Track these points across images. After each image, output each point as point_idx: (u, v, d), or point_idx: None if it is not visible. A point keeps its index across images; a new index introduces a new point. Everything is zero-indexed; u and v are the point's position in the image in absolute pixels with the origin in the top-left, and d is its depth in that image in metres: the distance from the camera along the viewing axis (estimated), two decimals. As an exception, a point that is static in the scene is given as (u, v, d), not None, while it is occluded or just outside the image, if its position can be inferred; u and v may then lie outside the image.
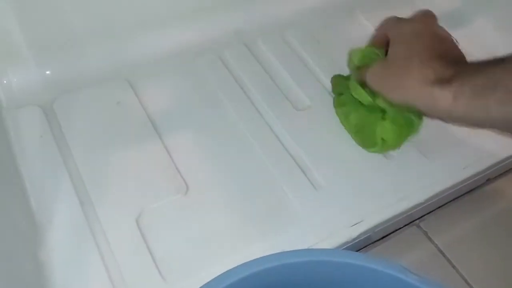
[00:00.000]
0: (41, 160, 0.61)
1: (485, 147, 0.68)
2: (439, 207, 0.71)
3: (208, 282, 0.39)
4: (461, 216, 0.73)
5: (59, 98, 0.68)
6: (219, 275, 0.39)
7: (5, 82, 0.67)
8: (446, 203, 0.71)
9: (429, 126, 0.68)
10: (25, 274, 0.51)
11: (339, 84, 0.69)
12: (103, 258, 0.54)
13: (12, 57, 0.67)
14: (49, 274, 0.52)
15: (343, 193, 0.62)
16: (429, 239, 0.71)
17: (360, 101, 0.63)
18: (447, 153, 0.67)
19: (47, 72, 0.69)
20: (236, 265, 0.40)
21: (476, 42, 0.83)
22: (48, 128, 0.64)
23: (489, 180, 0.73)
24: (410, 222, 0.70)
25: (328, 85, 0.74)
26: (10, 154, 0.61)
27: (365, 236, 0.61)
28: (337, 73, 0.72)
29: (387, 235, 0.68)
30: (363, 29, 0.84)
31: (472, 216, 0.73)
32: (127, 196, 0.59)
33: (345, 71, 0.71)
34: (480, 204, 0.74)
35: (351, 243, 0.59)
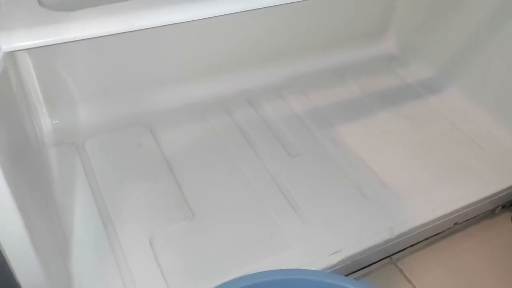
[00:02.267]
0: (73, 189, 0.73)
1: (452, 194, 0.79)
2: (412, 245, 0.80)
3: None
4: (435, 260, 0.82)
5: (90, 139, 0.81)
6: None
7: (54, 122, 0.80)
8: (418, 243, 0.81)
9: (403, 172, 0.81)
10: (59, 279, 0.61)
11: None
12: (120, 270, 0.65)
13: (60, 103, 0.81)
14: (74, 281, 0.63)
15: (326, 227, 0.72)
16: (406, 278, 0.80)
17: None
18: (418, 196, 0.78)
19: (82, 117, 0.83)
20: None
21: (447, 105, 0.97)
22: (80, 163, 0.77)
23: (456, 224, 0.83)
24: (386, 257, 0.79)
25: (317, 134, 0.87)
26: (48, 183, 0.73)
27: (343, 264, 0.70)
28: (326, 125, 0.86)
29: (366, 267, 0.77)
30: (351, 92, 0.98)
31: (444, 260, 0.82)
32: (142, 220, 0.70)
33: (333, 125, 0.84)
34: (452, 249, 0.83)
35: (330, 270, 0.69)
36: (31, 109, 0.80)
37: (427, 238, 0.81)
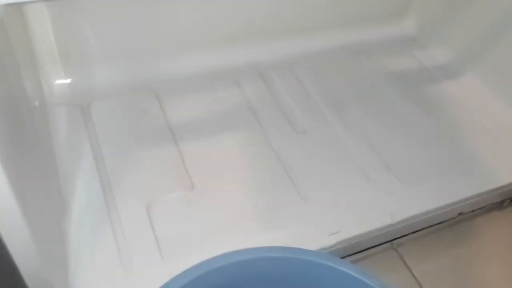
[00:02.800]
0: (75, 151, 0.73)
1: (458, 183, 0.77)
2: (414, 232, 0.79)
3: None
4: (437, 248, 0.80)
5: (96, 101, 0.80)
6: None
7: (61, 82, 0.80)
8: (420, 230, 0.79)
9: (410, 158, 0.79)
10: (51, 238, 0.61)
11: None
12: (115, 237, 0.64)
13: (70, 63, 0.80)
14: (68, 241, 0.63)
15: (326, 206, 0.71)
16: (405, 264, 0.79)
17: None
18: (423, 183, 0.77)
19: (91, 79, 0.82)
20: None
21: (464, 92, 0.94)
22: (84, 125, 0.76)
23: (461, 214, 0.81)
24: (387, 242, 0.78)
25: (326, 113, 0.85)
26: (50, 143, 0.72)
27: (342, 245, 0.69)
28: (336, 104, 0.83)
29: (365, 250, 0.76)
30: (366, 72, 0.95)
31: (447, 249, 0.80)
32: (141, 187, 0.70)
33: (343, 105, 0.82)
34: (456, 239, 0.82)
35: (328, 251, 0.68)
36: (40, 66, 0.79)
37: (430, 226, 0.80)
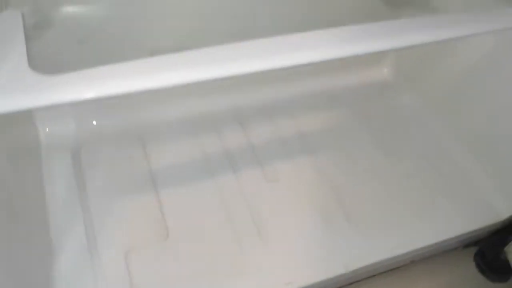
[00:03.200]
0: (63, 196, 0.82)
1: (412, 233, 0.85)
2: (368, 277, 0.87)
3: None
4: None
5: (85, 147, 0.89)
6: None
7: (49, 130, 0.89)
8: (374, 276, 0.87)
9: (371, 206, 0.86)
10: (39, 281, 0.70)
11: None
12: (95, 280, 0.74)
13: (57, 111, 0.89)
14: (54, 285, 0.72)
15: (286, 255, 0.80)
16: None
17: None
18: (379, 233, 0.85)
19: (80, 125, 0.90)
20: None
21: (429, 141, 1.01)
22: (73, 171, 0.85)
23: (413, 262, 0.89)
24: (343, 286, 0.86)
25: (299, 161, 0.93)
26: (40, 189, 0.81)
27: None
28: (309, 151, 0.91)
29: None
30: (340, 117, 1.03)
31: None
32: (121, 234, 0.79)
33: (315, 152, 0.90)
34: (408, 283, 0.89)
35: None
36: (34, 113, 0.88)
37: (383, 272, 0.88)
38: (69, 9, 0.80)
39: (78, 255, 0.76)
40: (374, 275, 0.87)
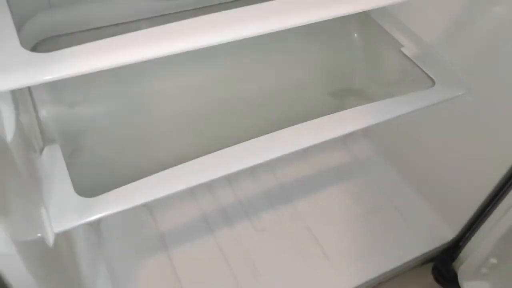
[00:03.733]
0: (92, 263, 1.00)
1: (380, 260, 1.05)
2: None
3: None
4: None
5: (103, 221, 1.07)
6: None
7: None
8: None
9: (342, 242, 1.06)
10: None
11: None
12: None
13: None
14: None
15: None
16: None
17: None
18: (350, 264, 1.05)
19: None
20: None
21: (384, 183, 1.22)
22: (97, 241, 1.03)
23: (380, 284, 1.09)
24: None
25: (280, 211, 1.13)
26: (74, 257, 0.99)
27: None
28: (286, 201, 1.11)
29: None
30: (311, 168, 1.24)
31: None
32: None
33: (292, 201, 1.10)
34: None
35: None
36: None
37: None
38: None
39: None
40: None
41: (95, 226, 1.07)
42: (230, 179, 1.19)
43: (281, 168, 1.23)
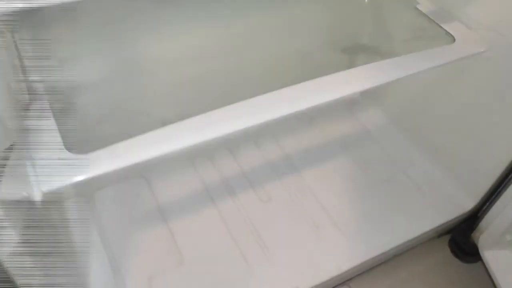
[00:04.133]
0: (87, 235, 0.93)
1: (394, 232, 0.99)
2: (360, 274, 1.00)
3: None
4: (381, 282, 1.01)
5: (98, 192, 1.00)
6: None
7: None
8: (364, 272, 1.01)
9: (353, 213, 0.99)
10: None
11: None
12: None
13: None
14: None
15: (286, 265, 0.92)
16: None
17: None
18: (364, 235, 0.98)
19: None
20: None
21: (397, 151, 1.15)
22: (90, 213, 0.96)
23: (396, 256, 1.03)
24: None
25: (285, 182, 1.05)
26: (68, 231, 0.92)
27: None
28: (293, 171, 1.04)
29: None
30: (316, 137, 1.16)
31: (388, 282, 1.01)
32: (141, 263, 0.90)
33: (298, 171, 1.03)
34: (394, 272, 1.03)
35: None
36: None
37: (371, 268, 1.02)
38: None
39: (107, 285, 0.87)
40: (363, 272, 1.01)
41: (89, 197, 0.99)
42: (231, 149, 1.12)
43: (285, 137, 1.16)
